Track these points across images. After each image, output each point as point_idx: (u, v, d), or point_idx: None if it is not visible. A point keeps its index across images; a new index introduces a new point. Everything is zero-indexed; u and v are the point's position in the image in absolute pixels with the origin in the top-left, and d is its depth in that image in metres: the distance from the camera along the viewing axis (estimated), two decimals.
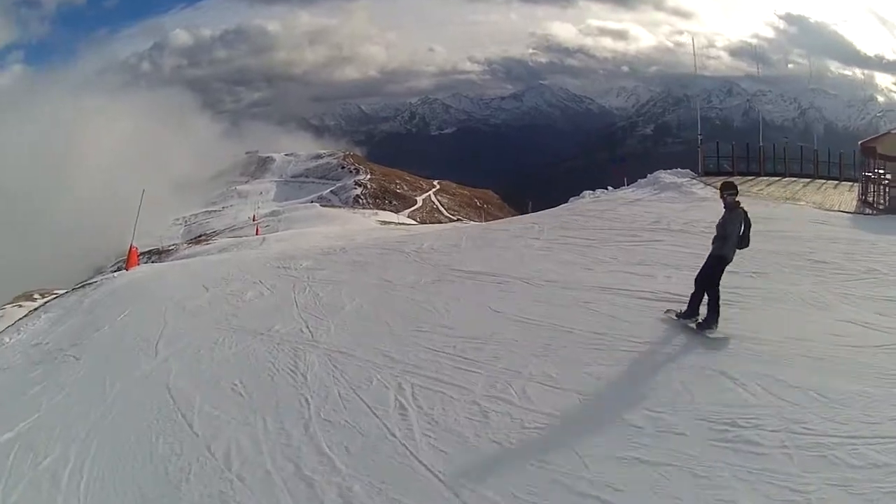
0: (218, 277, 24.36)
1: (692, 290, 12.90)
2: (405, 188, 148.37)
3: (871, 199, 28.73)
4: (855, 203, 28.99)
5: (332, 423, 11.15)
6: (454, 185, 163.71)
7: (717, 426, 9.45)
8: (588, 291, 16.73)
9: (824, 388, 10.21)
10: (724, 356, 11.82)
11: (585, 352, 12.83)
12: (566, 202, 35.97)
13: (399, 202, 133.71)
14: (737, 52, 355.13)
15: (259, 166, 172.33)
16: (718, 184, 15.78)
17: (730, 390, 10.52)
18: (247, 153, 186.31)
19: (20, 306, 31.83)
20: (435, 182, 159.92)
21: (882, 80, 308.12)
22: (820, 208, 26.93)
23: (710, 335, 12.31)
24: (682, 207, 26.71)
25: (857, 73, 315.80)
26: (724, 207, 12.66)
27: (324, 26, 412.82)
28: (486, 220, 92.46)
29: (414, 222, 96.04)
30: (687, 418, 9.77)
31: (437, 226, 69.52)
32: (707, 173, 36.01)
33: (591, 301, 15.93)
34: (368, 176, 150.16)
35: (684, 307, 13.14)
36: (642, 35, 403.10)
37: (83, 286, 28.85)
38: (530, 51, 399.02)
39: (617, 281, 17.26)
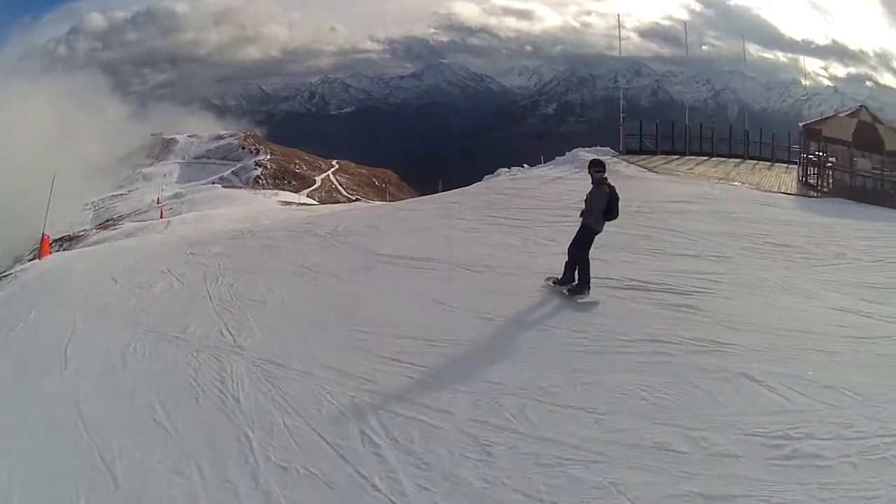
0: (126, 267, 22.31)
1: (566, 259, 13.94)
2: (304, 168, 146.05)
3: (812, 181, 29.58)
4: (795, 185, 29.75)
5: (288, 470, 8.82)
6: (353, 164, 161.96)
7: (769, 441, 8.45)
8: (537, 278, 15.47)
9: (855, 385, 9.69)
10: (733, 354, 10.96)
11: (571, 355, 11.46)
12: (479, 180, 35.70)
13: (298, 182, 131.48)
14: (647, 33, 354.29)
15: (163, 148, 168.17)
16: (641, 162, 16.27)
17: (761, 395, 9.62)
18: (152, 135, 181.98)
19: None
20: (334, 162, 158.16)
21: (810, 63, 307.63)
22: (758, 189, 27.71)
23: (581, 300, 13.50)
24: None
25: (781, 56, 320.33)
26: (592, 183, 13.63)
27: (230, 6, 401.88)
28: (387, 200, 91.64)
29: (315, 202, 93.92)
30: (732, 435, 8.65)
31: (339, 206, 67.07)
32: (629, 151, 36.03)
33: (543, 289, 14.79)
34: (268, 156, 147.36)
35: (559, 275, 14.31)
36: (548, 15, 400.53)
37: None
38: (432, 30, 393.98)
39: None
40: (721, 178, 29.88)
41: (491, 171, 38.02)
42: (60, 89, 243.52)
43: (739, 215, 21.18)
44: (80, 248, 48.72)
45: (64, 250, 50.53)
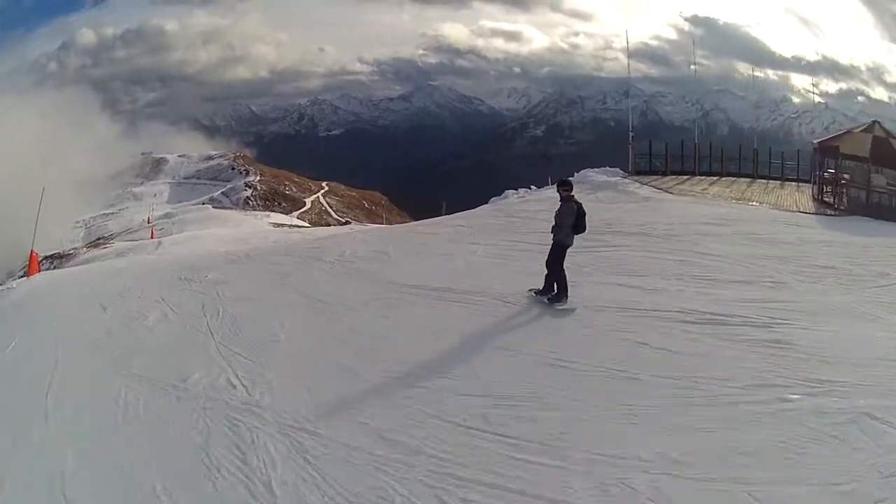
0: (116, 292, 20.38)
1: (545, 273, 14.67)
2: (294, 190, 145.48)
3: (828, 199, 28.76)
4: (811, 203, 28.74)
5: None
6: (343, 186, 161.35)
7: None
8: (595, 312, 14.14)
9: None
10: (843, 392, 9.82)
11: (681, 410, 9.58)
12: (483, 202, 35.12)
13: (288, 204, 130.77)
14: (635, 53, 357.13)
15: (153, 167, 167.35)
16: (654, 182, 18.95)
17: (885, 433, 8.59)
18: (142, 154, 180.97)
19: None
20: (323, 184, 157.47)
21: (799, 81, 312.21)
22: (777, 209, 27.04)
23: (559, 307, 14.18)
24: (629, 208, 25.83)
25: (770, 74, 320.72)
26: (560, 201, 14.56)
27: (217, 26, 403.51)
28: (378, 223, 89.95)
29: (307, 225, 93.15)
30: (879, 480, 7.63)
31: (335, 228, 66.48)
32: (639, 172, 35.18)
33: (610, 326, 13.18)
34: (258, 177, 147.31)
35: (541, 286, 14.94)
36: (536, 36, 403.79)
37: None
38: (420, 51, 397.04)
39: (618, 297, 15.06)
40: (738, 199, 29.00)
41: (482, 193, 37.39)
42: (50, 104, 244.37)
43: (771, 237, 20.39)
44: (71, 265, 48.49)
45: (54, 268, 53.19)
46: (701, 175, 36.54)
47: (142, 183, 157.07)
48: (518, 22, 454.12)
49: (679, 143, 39.79)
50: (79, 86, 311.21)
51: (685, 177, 35.45)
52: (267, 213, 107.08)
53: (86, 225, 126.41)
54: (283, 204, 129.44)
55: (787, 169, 38.33)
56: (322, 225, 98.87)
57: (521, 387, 10.66)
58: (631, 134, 38.20)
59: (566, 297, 14.26)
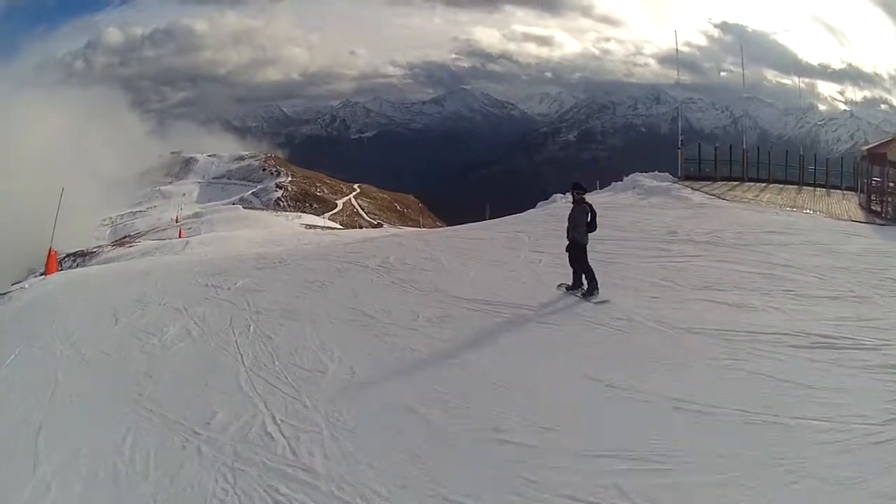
0: (133, 298, 18.56)
1: (572, 270, 15.01)
2: (326, 191, 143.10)
3: (875, 207, 27.97)
4: (860, 212, 28.36)
5: None
6: (374, 189, 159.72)
7: None
8: (693, 337, 11.89)
9: None
10: None
11: (838, 456, 7.50)
12: (523, 206, 35.17)
13: (320, 205, 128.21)
14: (665, 59, 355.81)
15: (183, 167, 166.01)
16: (705, 188, 19.03)
17: None
18: (171, 153, 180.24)
19: None
20: (355, 186, 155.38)
21: (826, 88, 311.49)
22: (830, 217, 26.14)
23: (594, 301, 14.20)
24: (686, 214, 24.62)
25: (798, 81, 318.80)
26: (573, 203, 14.95)
27: (248, 27, 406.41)
28: (410, 226, 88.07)
29: (339, 227, 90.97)
30: None
31: (370, 231, 64.15)
32: (688, 177, 34.54)
33: (717, 354, 10.94)
34: (289, 178, 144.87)
35: (570, 282, 15.18)
36: (567, 41, 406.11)
37: None
38: (453, 55, 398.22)
39: (712, 317, 12.95)
40: (792, 206, 27.94)
41: (516, 197, 37.10)
42: (77, 102, 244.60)
43: (836, 247, 19.02)
44: (95, 264, 47.09)
45: (77, 266, 51.83)
46: (749, 181, 35.71)
47: (171, 182, 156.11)
48: (549, 27, 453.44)
49: (726, 149, 38.93)
50: (106, 84, 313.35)
51: (734, 182, 34.63)
52: (298, 214, 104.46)
53: (112, 223, 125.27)
54: (315, 205, 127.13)
55: (824, 176, 37.48)
56: (354, 227, 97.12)
57: (650, 441, 8.07)
58: (681, 138, 37.77)
59: (597, 289, 14.54)
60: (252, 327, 14.50)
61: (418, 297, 16.05)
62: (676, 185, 31.08)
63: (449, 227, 35.83)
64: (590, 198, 27.61)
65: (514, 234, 23.08)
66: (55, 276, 24.78)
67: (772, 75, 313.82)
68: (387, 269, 19.58)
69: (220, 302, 17.24)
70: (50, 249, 27.79)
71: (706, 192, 29.69)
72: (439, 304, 15.24)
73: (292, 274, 20.70)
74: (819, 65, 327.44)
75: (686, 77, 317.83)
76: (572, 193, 15.12)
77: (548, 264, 18.11)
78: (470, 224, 32.03)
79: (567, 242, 15.03)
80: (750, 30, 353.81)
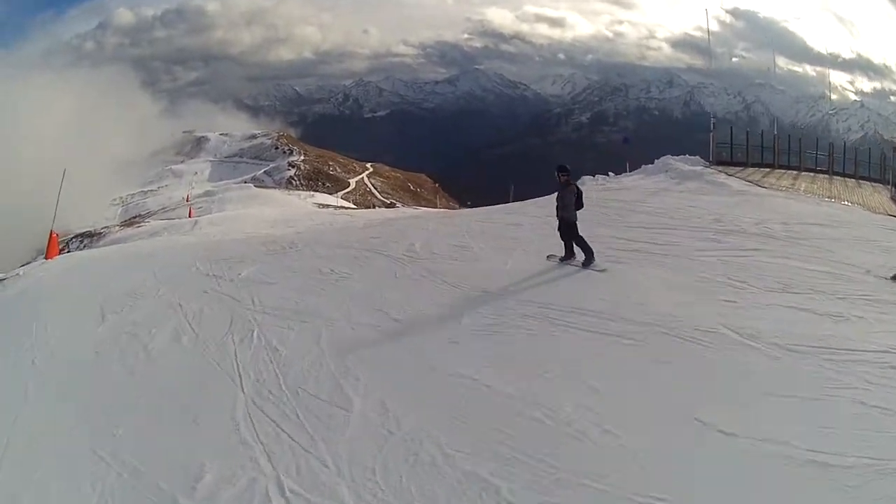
0: (126, 290, 16.52)
1: (564, 243, 15.52)
2: (338, 170, 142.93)
3: None
4: (893, 206, 27.22)
5: None
6: (387, 168, 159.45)
7: None
8: (798, 359, 9.46)
9: None
10: None
11: None
12: (535, 188, 32.56)
13: (332, 184, 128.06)
14: (678, 43, 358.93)
15: (194, 146, 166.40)
16: (738, 174, 21.41)
17: None
18: (183, 132, 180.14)
19: None
20: (368, 165, 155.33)
21: (837, 78, 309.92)
22: (869, 210, 24.63)
23: (596, 269, 14.72)
24: (728, 202, 22.72)
25: (809, 70, 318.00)
26: (560, 184, 15.39)
27: (260, 6, 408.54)
28: (422, 206, 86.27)
29: (353, 206, 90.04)
30: None
31: (386, 211, 62.00)
32: (720, 162, 32.89)
33: (833, 383, 8.71)
34: (302, 157, 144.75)
35: (562, 253, 15.61)
36: (580, 23, 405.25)
37: None
38: (465, 36, 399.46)
39: (802, 329, 10.64)
40: (829, 197, 26.56)
41: (530, 178, 36.24)
42: (87, 83, 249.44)
43: (886, 244, 17.23)
44: (102, 244, 48.90)
45: (85, 247, 52.27)
46: (779, 168, 33.98)
47: (182, 161, 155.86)
48: (561, 8, 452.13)
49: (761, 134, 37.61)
50: (117, 65, 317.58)
51: (765, 169, 33.10)
52: (311, 193, 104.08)
53: (123, 203, 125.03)
54: (327, 184, 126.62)
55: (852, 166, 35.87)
56: (367, 206, 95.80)
57: None
58: (713, 121, 35.99)
59: (593, 257, 14.96)
60: (255, 333, 12.02)
61: (455, 297, 13.48)
62: (709, 170, 29.44)
63: (473, 210, 33.17)
64: (619, 181, 29.99)
65: (546, 220, 19.92)
66: (53, 262, 23.19)
67: (783, 62, 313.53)
68: (412, 258, 17.17)
69: (220, 297, 14.96)
70: (51, 232, 26.14)
71: (742, 179, 28.17)
72: (482, 306, 12.56)
73: (305, 262, 18.31)
74: (829, 54, 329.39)
75: (698, 62, 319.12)
76: (558, 176, 15.47)
77: (604, 256, 15.55)
78: (494, 207, 30.03)
79: (557, 221, 15.55)
80: (761, 16, 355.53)
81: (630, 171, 32.55)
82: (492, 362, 9.75)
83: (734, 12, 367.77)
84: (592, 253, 14.93)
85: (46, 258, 24.71)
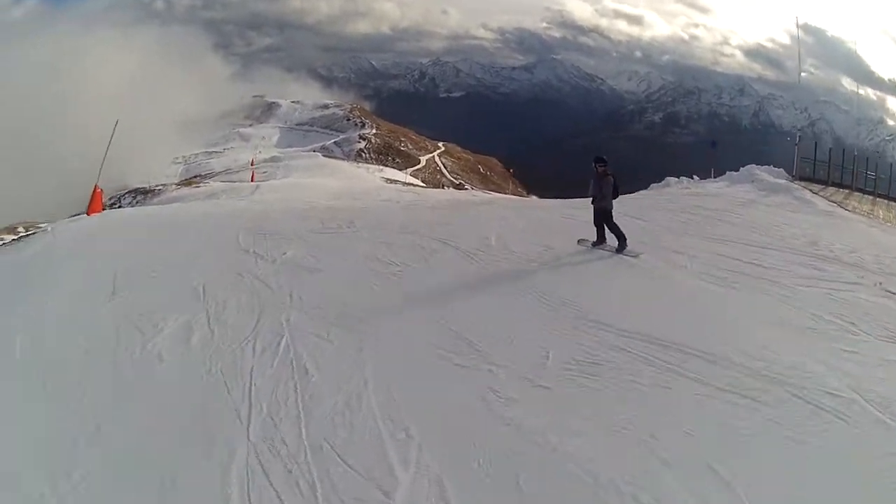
0: (149, 263, 14.41)
1: (597, 230, 15.45)
2: (409, 147, 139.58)
3: None
4: None
5: None
6: (458, 148, 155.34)
7: None
8: None
9: None
10: None
11: None
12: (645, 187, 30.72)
13: (402, 160, 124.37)
14: (751, 52, 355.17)
15: (265, 111, 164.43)
16: (822, 192, 20.72)
17: None
18: (253, 97, 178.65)
19: (16, 236, 23.39)
20: (440, 144, 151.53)
21: (893, 104, 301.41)
22: None
23: (630, 254, 14.74)
24: (818, 222, 19.95)
25: (870, 93, 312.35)
26: (597, 174, 15.10)
27: None
28: (490, 189, 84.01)
29: (421, 184, 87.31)
30: None
31: (454, 193, 59.31)
32: (802, 177, 29.99)
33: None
34: (374, 130, 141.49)
35: (594, 239, 15.55)
36: (657, 23, 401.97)
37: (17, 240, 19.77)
38: (544, 24, 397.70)
39: None
40: None
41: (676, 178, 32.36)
42: (154, 42, 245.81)
43: None
44: (156, 203, 48.19)
45: (137, 203, 53.11)
46: (857, 191, 30.79)
47: (251, 125, 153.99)
48: (639, 6, 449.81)
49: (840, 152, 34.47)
50: (187, 26, 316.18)
51: (845, 190, 29.95)
52: (380, 167, 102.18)
53: (186, 161, 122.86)
54: (397, 160, 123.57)
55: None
56: (436, 185, 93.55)
57: None
58: (798, 135, 34.88)
59: (626, 243, 14.97)
60: (284, 341, 9.55)
61: (540, 315, 10.73)
62: (794, 185, 26.87)
63: (549, 201, 30.47)
64: (703, 186, 27.86)
65: (640, 224, 18.07)
66: (87, 219, 21.41)
67: (846, 83, 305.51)
68: (487, 256, 14.63)
69: (254, 283, 12.62)
70: (95, 187, 24.31)
71: (826, 198, 25.55)
72: (574, 333, 9.83)
73: (361, 246, 15.91)
74: (889, 79, 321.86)
75: (770, 73, 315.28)
76: (595, 166, 15.28)
77: (697, 274, 13.27)
78: (573, 201, 25.98)
79: (593, 210, 15.43)
80: (829, 35, 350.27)
81: (715, 177, 30.38)
82: (587, 424, 7.20)
83: (805, 27, 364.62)
84: (625, 239, 15.15)
85: (87, 213, 23.05)
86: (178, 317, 10.77)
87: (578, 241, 15.83)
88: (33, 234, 19.32)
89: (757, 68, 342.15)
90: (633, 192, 26.79)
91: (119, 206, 60.95)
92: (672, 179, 30.98)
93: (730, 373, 8.43)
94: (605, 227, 15.32)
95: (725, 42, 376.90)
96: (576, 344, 9.34)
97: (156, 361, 9.22)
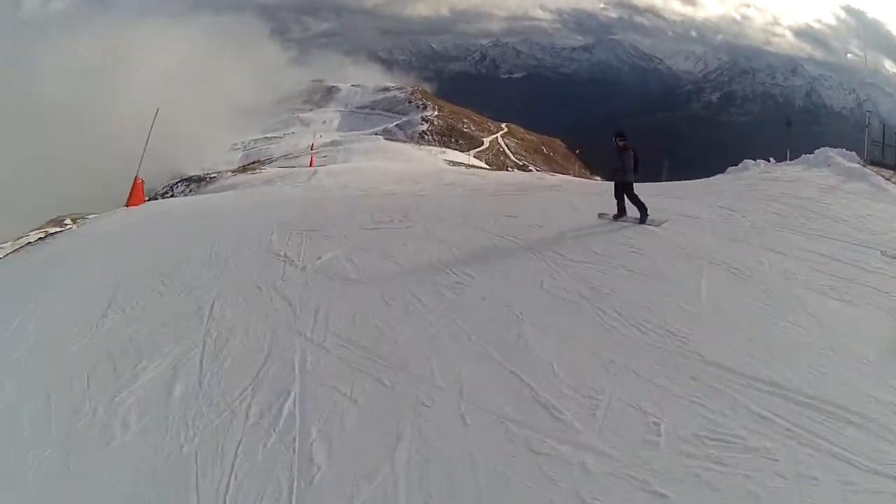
0: (158, 272, 12.05)
1: (617, 202, 15.29)
2: (472, 128, 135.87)
3: None
4: None
5: None
6: (521, 129, 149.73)
7: None
8: None
9: None
10: None
11: None
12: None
13: (465, 141, 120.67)
14: (800, 33, 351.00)
15: (324, 95, 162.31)
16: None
17: None
18: (312, 81, 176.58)
19: (45, 233, 24.47)
20: (503, 125, 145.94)
21: None
22: None
23: (653, 224, 14.60)
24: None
25: None
26: (618, 148, 15.09)
27: None
28: (555, 171, 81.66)
29: (485, 166, 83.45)
30: None
31: (519, 175, 53.47)
32: (872, 162, 26.79)
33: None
34: (436, 112, 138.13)
35: (615, 212, 15.38)
36: (710, 3, 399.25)
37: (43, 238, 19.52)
38: (601, 5, 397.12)
39: None
40: None
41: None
42: (209, 30, 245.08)
43: None
44: (210, 190, 47.14)
45: (189, 192, 51.63)
46: None
47: (311, 109, 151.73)
48: None
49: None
50: (240, 14, 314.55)
51: None
52: (443, 149, 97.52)
53: (244, 147, 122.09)
54: (460, 141, 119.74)
55: None
56: (499, 167, 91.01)
57: None
58: (868, 116, 33.78)
59: (647, 212, 14.74)
60: (289, 404, 6.93)
61: (640, 355, 7.77)
62: (868, 171, 23.98)
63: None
64: (783, 170, 25.44)
65: (725, 213, 15.54)
66: (119, 214, 20.46)
67: (888, 65, 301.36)
68: (564, 260, 11.55)
69: (273, 301, 10.13)
70: (135, 178, 23.20)
71: None
72: (688, 384, 7.00)
73: (413, 246, 13.04)
74: None
75: (818, 53, 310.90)
76: (616, 141, 15.23)
77: (809, 283, 10.45)
78: (649, 185, 22.12)
79: (614, 183, 15.51)
80: (869, 17, 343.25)
81: (790, 160, 27.65)
82: None
83: (847, 8, 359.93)
84: (647, 209, 15.00)
85: (127, 205, 22.00)
86: (167, 351, 8.45)
87: (599, 214, 15.79)
88: (57, 233, 18.48)
89: (807, 48, 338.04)
90: (711, 176, 25.36)
91: (171, 195, 60.14)
92: (749, 162, 27.94)
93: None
94: (628, 200, 15.26)
95: (776, 22, 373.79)
96: (694, 406, 6.54)
97: (118, 429, 6.80)
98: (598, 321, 8.84)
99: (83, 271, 13.11)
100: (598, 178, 60.07)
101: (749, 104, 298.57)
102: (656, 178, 30.97)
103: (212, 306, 9.99)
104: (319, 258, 12.29)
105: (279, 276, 11.40)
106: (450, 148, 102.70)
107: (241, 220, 17.84)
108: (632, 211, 14.89)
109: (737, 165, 28.63)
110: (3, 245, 24.36)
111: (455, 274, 11.01)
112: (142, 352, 8.58)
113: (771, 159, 28.53)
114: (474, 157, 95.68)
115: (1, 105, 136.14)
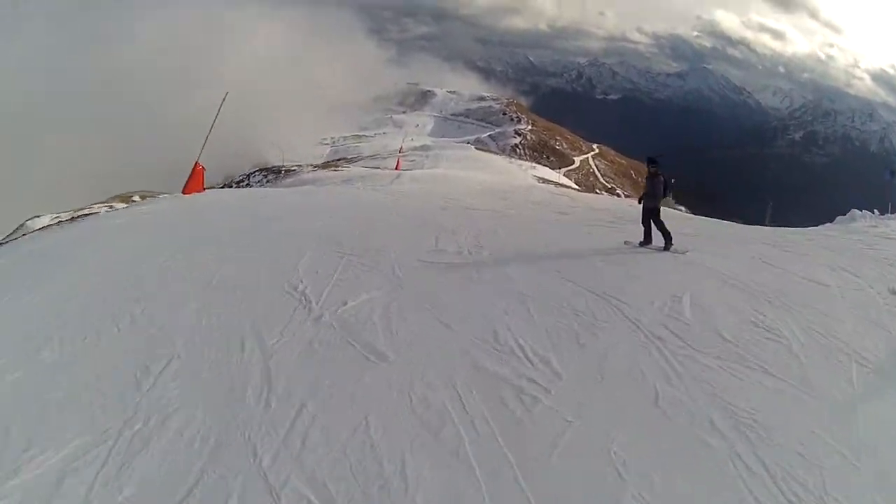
0: (140, 293, 9.43)
1: (644, 229, 14.95)
2: (564, 146, 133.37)
3: None
4: None
5: None
6: (612, 152, 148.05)
7: None
8: None
9: None
10: None
11: None
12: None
13: (556, 159, 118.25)
14: (877, 77, 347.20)
15: (419, 98, 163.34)
16: None
17: None
18: (408, 83, 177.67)
19: (110, 207, 22.95)
20: (594, 146, 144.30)
21: None
22: None
23: (678, 252, 14.19)
24: None
25: None
26: (649, 174, 15.10)
27: None
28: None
29: (574, 186, 78.84)
30: None
31: (608, 201, 48.14)
32: None
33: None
34: (530, 127, 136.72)
35: (641, 238, 15.00)
36: (798, 40, 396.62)
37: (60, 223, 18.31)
38: (695, 33, 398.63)
39: None
40: None
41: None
42: (306, 19, 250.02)
43: None
44: (286, 184, 44.86)
45: (266, 183, 50.06)
46: None
47: (404, 112, 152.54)
48: (782, 21, 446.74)
49: None
50: (340, 10, 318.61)
51: None
52: (533, 164, 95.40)
53: (333, 143, 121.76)
54: (551, 158, 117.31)
55: None
56: (588, 188, 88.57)
57: None
58: None
59: (671, 241, 14.51)
60: None
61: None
62: None
63: (744, 227, 22.65)
64: (885, 221, 23.41)
65: (850, 280, 11.43)
66: (157, 204, 20.13)
67: None
68: (679, 338, 7.99)
69: (246, 377, 6.79)
70: (196, 164, 22.21)
71: None
72: None
73: (478, 297, 9.53)
74: None
75: (891, 99, 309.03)
76: (648, 167, 15.11)
77: None
78: (784, 231, 19.72)
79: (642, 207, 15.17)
80: None
81: (891, 212, 25.37)
82: None
83: None
84: (671, 237, 14.71)
85: (183, 192, 21.30)
86: (68, 439, 5.65)
87: (625, 242, 15.41)
88: (72, 219, 17.70)
89: (881, 94, 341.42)
90: (809, 224, 22.69)
91: (247, 184, 58.93)
92: (857, 213, 24.89)
93: None
94: (654, 226, 15.03)
95: (856, 65, 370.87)
96: None
97: None
98: (733, 472, 5.35)
99: (49, 285, 10.08)
100: (683, 208, 56.92)
101: (830, 146, 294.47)
102: (759, 221, 28.65)
103: (162, 370, 6.96)
104: (345, 304, 8.99)
105: (279, 328, 8.09)
106: (540, 164, 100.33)
107: (279, 229, 14.73)
108: (657, 239, 14.76)
109: (844, 215, 25.56)
110: (61, 214, 22.37)
111: (530, 363, 7.25)
112: (40, 432, 5.83)
113: (875, 211, 25.70)
114: (564, 174, 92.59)
115: (101, 73, 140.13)
